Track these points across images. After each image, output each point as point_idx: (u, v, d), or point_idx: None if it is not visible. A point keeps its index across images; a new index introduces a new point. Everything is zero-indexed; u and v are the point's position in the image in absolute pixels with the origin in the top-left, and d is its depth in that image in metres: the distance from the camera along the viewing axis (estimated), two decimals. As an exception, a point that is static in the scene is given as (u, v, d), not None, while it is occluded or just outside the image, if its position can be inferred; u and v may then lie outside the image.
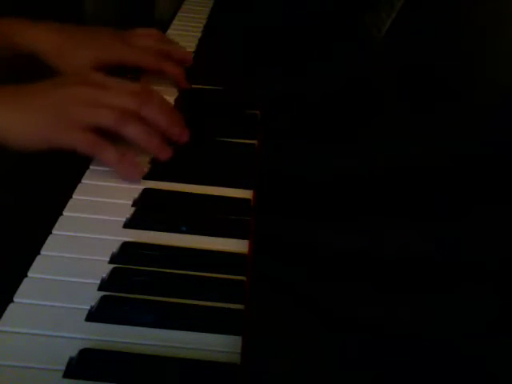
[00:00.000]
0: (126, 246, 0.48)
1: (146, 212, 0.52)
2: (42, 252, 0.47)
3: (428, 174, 0.50)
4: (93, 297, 0.43)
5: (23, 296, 0.43)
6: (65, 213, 0.51)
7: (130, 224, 0.51)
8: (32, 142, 0.53)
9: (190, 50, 0.89)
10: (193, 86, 0.76)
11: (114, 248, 0.48)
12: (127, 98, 0.56)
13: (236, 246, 0.49)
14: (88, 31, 0.73)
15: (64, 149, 0.53)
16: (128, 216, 0.51)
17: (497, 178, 0.43)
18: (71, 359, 0.38)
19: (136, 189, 0.55)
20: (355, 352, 0.39)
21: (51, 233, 0.49)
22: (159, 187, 0.56)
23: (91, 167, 0.57)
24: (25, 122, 0.53)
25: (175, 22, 1.02)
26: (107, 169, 0.57)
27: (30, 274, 0.44)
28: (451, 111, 0.52)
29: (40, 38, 0.69)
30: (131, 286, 0.44)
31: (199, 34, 0.97)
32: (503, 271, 0.40)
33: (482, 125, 0.48)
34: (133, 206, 0.53)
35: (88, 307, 0.42)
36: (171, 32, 0.97)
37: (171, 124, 0.59)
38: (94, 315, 0.42)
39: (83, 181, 0.56)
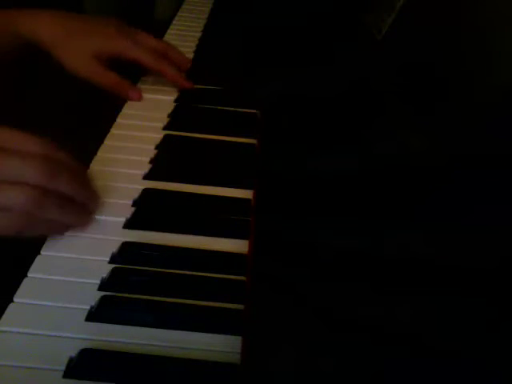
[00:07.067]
0: (125, 245, 0.48)
1: (146, 212, 0.52)
2: (42, 252, 0.47)
3: (428, 174, 0.50)
4: (93, 297, 0.43)
5: (23, 296, 0.43)
6: (65, 213, 0.51)
7: (129, 224, 0.51)
8: None
9: (189, 50, 0.89)
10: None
11: (114, 248, 0.48)
12: (34, 170, 0.45)
13: (236, 245, 0.49)
14: (93, 21, 0.72)
15: None
16: (128, 216, 0.51)
17: (497, 177, 0.43)
18: (71, 359, 0.38)
19: (136, 189, 0.55)
20: (355, 352, 0.39)
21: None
22: (159, 187, 0.56)
23: (92, 167, 0.57)
24: None
25: (175, 22, 1.02)
26: (107, 168, 0.57)
27: (29, 274, 0.44)
28: (451, 111, 0.52)
29: (41, 27, 0.68)
30: (131, 286, 0.44)
31: (199, 34, 0.97)
32: (503, 272, 0.40)
33: (482, 125, 0.48)
34: (133, 205, 0.53)
35: (88, 307, 0.42)
36: (171, 32, 0.97)
37: (86, 196, 0.50)
38: (94, 315, 0.42)
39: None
